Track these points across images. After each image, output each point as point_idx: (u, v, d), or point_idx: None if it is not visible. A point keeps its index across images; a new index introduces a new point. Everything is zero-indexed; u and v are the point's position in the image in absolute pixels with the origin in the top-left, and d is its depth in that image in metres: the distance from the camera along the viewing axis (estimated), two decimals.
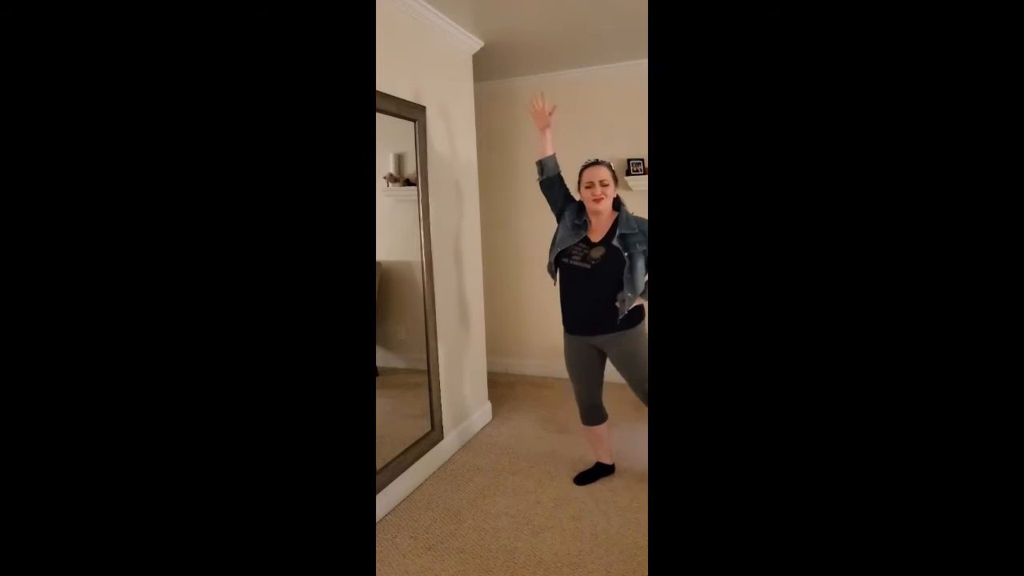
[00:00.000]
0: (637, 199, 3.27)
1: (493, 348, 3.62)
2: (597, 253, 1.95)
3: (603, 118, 3.31)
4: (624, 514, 2.03)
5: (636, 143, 3.24)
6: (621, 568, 1.73)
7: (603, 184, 1.95)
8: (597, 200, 1.94)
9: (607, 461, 2.31)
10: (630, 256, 1.92)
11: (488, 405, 2.98)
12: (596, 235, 1.99)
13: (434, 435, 2.43)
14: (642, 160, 3.18)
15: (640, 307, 2.02)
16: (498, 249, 3.61)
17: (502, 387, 3.44)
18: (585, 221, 2.02)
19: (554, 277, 2.10)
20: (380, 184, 2.28)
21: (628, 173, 3.19)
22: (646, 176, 3.17)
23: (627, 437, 2.67)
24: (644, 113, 3.13)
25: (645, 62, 3.11)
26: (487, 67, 3.10)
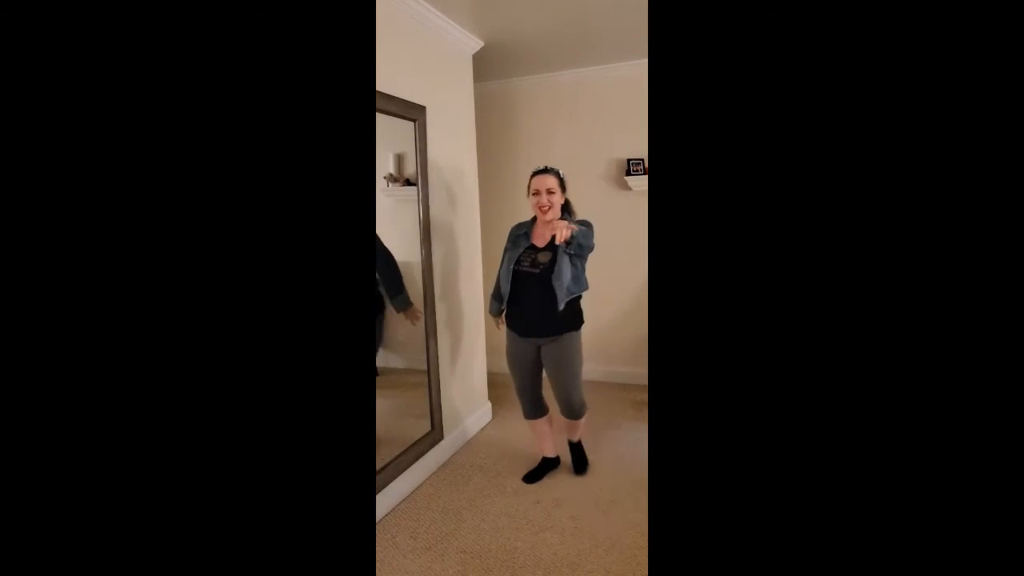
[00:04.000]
0: (637, 199, 3.28)
1: (493, 348, 3.62)
2: (544, 258, 2.05)
3: (603, 118, 3.31)
4: (624, 514, 2.03)
5: (636, 143, 3.24)
6: (621, 568, 1.73)
7: (549, 192, 2.02)
8: (542, 209, 2.03)
9: (551, 454, 2.37)
10: (571, 257, 2.01)
11: (488, 405, 2.98)
12: (541, 241, 2.09)
13: (434, 435, 2.43)
14: (642, 160, 3.18)
15: (579, 313, 2.13)
16: (498, 249, 3.58)
17: (502, 387, 3.43)
18: (525, 232, 2.14)
19: (498, 317, 2.28)
20: (380, 184, 2.28)
21: (628, 173, 3.19)
22: (646, 176, 3.17)
23: (627, 437, 2.68)
24: (644, 113, 3.14)
25: (645, 62, 3.12)
26: (487, 67, 3.10)
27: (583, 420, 2.30)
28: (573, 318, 2.11)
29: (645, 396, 3.22)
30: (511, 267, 2.11)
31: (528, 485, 2.26)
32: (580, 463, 2.38)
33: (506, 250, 2.19)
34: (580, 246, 1.95)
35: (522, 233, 2.16)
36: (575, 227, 1.88)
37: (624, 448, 2.55)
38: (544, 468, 2.35)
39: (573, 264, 2.03)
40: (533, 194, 2.06)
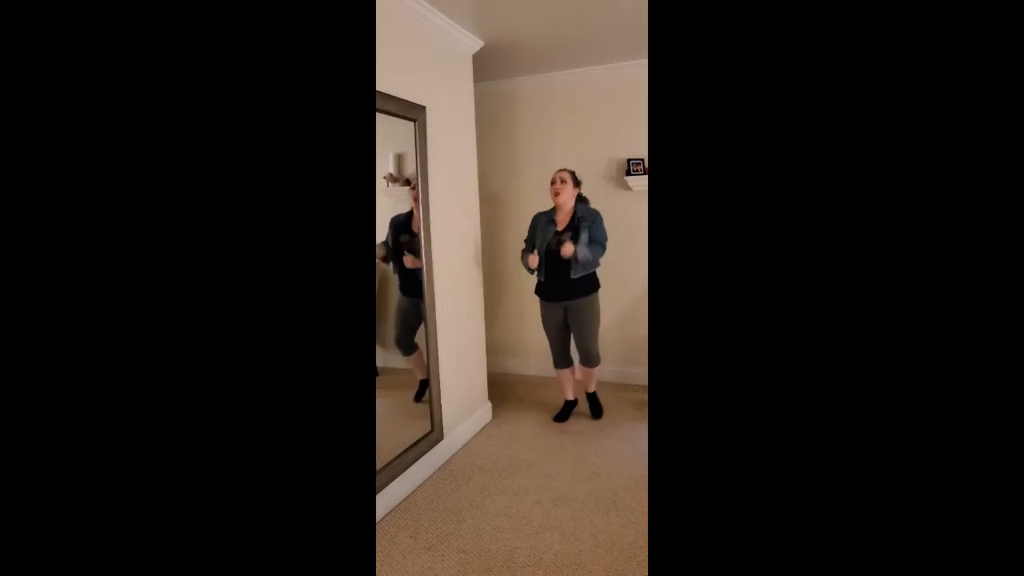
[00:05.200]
0: (637, 199, 3.28)
1: (493, 348, 3.62)
2: (566, 237, 2.67)
3: (603, 118, 3.31)
4: (624, 514, 2.03)
5: (636, 143, 3.24)
6: (621, 568, 1.73)
7: (562, 181, 2.69)
8: (556, 193, 2.69)
9: (571, 397, 2.99)
10: (583, 230, 2.65)
11: (488, 405, 2.98)
12: (562, 225, 2.72)
13: (434, 435, 2.43)
14: (642, 160, 3.18)
15: (595, 279, 2.77)
16: (498, 249, 3.60)
17: (502, 387, 3.44)
18: (551, 220, 2.75)
19: (530, 262, 2.76)
20: (380, 184, 2.28)
21: (628, 173, 3.19)
22: (646, 176, 3.17)
23: (627, 437, 2.68)
24: (644, 113, 3.13)
25: (645, 62, 3.11)
26: (487, 67, 3.10)
27: (596, 370, 2.91)
28: (589, 284, 2.72)
29: (645, 396, 3.22)
30: (544, 247, 2.70)
31: (528, 485, 2.26)
32: (596, 409, 2.96)
33: (537, 232, 2.77)
34: (587, 264, 2.63)
35: (549, 220, 2.76)
36: (574, 250, 2.58)
37: (624, 448, 2.56)
38: (568, 409, 2.96)
39: (588, 252, 2.63)
40: (551, 183, 2.72)
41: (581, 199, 2.77)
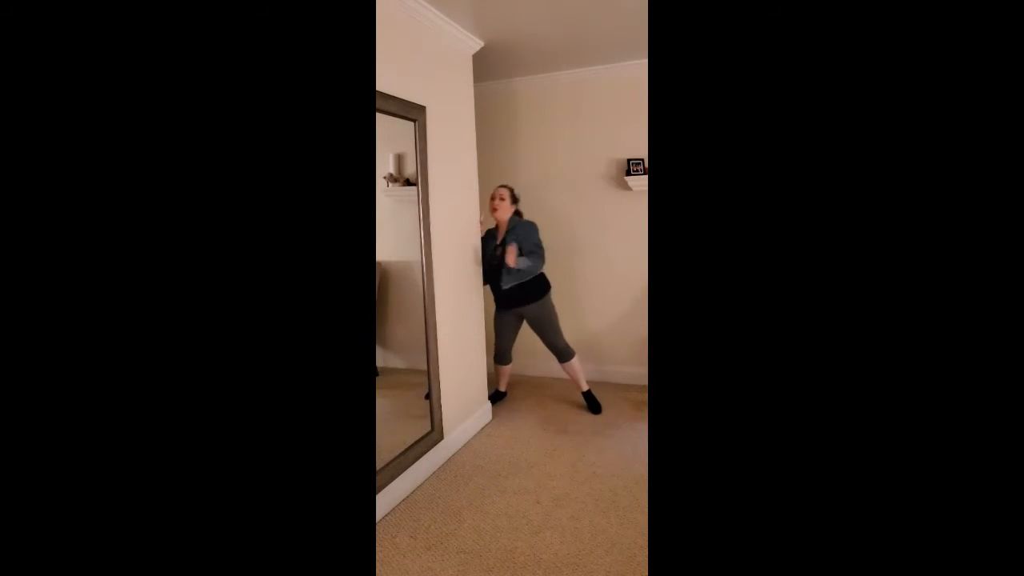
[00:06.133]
0: (637, 199, 3.28)
1: (493, 348, 3.61)
2: (500, 252, 2.86)
3: (603, 118, 3.31)
4: (624, 514, 2.03)
5: (636, 143, 3.24)
6: (621, 568, 1.73)
7: (500, 198, 2.87)
8: (493, 209, 2.87)
9: (503, 389, 3.26)
10: (510, 242, 2.79)
11: (488, 405, 2.98)
12: (499, 238, 2.92)
13: (434, 435, 2.43)
14: (642, 160, 3.18)
15: (545, 282, 2.91)
16: None
17: None
18: (493, 235, 2.94)
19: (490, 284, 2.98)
20: (380, 184, 2.28)
21: (628, 173, 3.19)
22: (646, 176, 3.17)
23: (627, 437, 2.68)
24: (644, 113, 3.13)
25: (645, 62, 3.11)
26: (487, 67, 3.10)
27: (575, 363, 3.01)
28: (537, 289, 2.87)
29: (645, 396, 3.22)
30: (486, 259, 2.91)
31: (528, 485, 2.27)
32: (594, 406, 3.03)
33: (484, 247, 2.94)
34: (521, 272, 2.78)
35: (491, 235, 2.95)
36: (514, 257, 2.72)
37: (624, 448, 2.56)
38: (497, 396, 3.22)
39: (526, 260, 2.77)
40: (491, 198, 2.91)
41: (518, 214, 2.94)
